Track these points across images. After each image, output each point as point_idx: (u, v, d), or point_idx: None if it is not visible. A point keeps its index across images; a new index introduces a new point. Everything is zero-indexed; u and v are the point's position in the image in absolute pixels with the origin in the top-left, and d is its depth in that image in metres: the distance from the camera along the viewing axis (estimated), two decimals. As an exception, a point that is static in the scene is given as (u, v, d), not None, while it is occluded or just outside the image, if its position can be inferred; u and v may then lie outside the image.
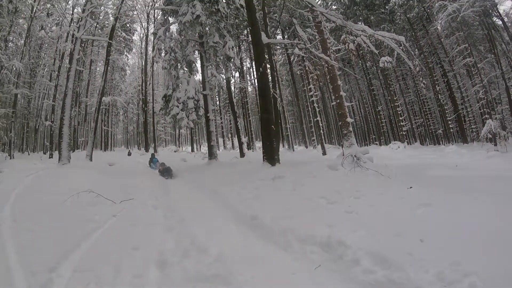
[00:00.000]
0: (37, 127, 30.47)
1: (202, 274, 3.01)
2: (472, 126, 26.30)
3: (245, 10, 11.39)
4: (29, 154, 26.45)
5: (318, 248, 3.51)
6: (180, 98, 12.54)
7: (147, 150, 33.56)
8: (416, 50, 26.61)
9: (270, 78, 13.24)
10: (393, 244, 3.35)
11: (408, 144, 26.24)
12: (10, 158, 20.38)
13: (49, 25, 27.28)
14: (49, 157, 21.68)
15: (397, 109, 28.14)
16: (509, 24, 24.40)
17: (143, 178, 10.30)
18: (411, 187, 5.31)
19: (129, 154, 30.14)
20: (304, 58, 21.67)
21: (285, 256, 3.62)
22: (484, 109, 20.77)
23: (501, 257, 2.75)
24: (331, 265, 3.33)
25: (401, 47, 9.85)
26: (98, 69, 37.48)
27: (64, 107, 13.39)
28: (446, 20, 21.52)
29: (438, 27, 24.97)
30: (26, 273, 2.94)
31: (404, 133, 27.64)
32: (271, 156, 9.02)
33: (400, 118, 27.91)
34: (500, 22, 22.54)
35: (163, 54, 12.96)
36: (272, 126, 9.53)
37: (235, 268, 3.24)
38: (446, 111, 26.35)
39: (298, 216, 4.44)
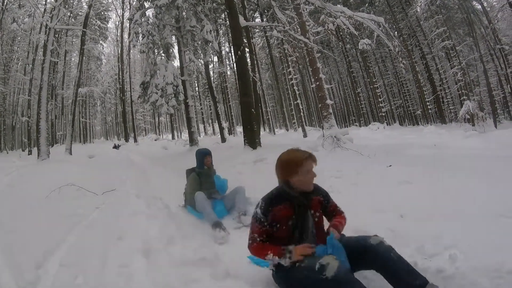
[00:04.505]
0: (14, 124, 29.67)
1: (188, 259, 3.01)
2: (451, 107, 26.97)
3: (223, -7, 11.21)
4: (7, 153, 25.74)
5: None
6: (159, 84, 12.34)
7: (127, 140, 33.18)
8: (396, 32, 26.85)
9: (249, 61, 13.17)
10: (374, 221, 3.42)
11: (387, 125, 26.72)
12: (-11, 158, 19.84)
13: (21, 17, 26.34)
14: (28, 154, 21.21)
15: (376, 90, 28.52)
16: (488, 8, 24.91)
17: (124, 168, 10.19)
18: (390, 166, 5.39)
19: (116, 147, 25.62)
20: (283, 41, 21.57)
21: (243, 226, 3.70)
22: (462, 91, 21.30)
23: (480, 230, 2.86)
24: (315, 243, 3.38)
25: (380, 28, 9.90)
26: (73, 59, 36.70)
27: (40, 101, 12.98)
28: (425, 3, 21.74)
29: (418, 9, 25.23)
30: (13, 272, 2.88)
31: (383, 114, 28.07)
32: (252, 140, 9.04)
33: (379, 99, 28.33)
34: (479, 6, 22.96)
35: (140, 38, 12.68)
36: (252, 110, 9.55)
37: (221, 251, 3.30)
38: (425, 93, 26.83)
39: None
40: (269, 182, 5.38)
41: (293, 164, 2.44)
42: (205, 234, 3.73)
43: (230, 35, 30.42)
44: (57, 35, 24.46)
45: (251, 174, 6.13)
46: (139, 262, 3.06)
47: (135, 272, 2.89)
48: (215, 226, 3.83)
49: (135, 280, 2.78)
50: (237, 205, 4.37)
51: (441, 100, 26.54)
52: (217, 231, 3.74)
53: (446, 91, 27.30)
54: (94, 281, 2.78)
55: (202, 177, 4.90)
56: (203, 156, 5.12)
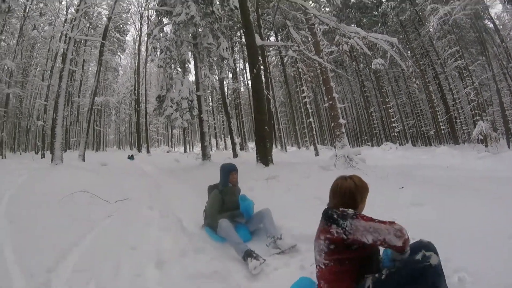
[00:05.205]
0: (29, 127, 30.32)
1: (200, 272, 3.06)
2: (464, 128, 26.66)
3: (239, 12, 11.45)
4: (20, 154, 26.30)
5: (313, 246, 3.55)
6: (174, 98, 12.57)
7: (139, 150, 33.54)
8: (409, 52, 26.89)
9: (263, 79, 13.34)
10: (386, 242, 3.42)
11: (400, 145, 26.52)
12: (2, 158, 20.26)
13: (41, 24, 27.17)
14: (41, 157, 21.57)
15: (389, 110, 28.43)
16: (500, 26, 24.78)
17: (136, 178, 10.29)
18: (402, 187, 5.39)
19: (131, 157, 23.39)
20: (297, 60, 21.80)
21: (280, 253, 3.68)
22: (475, 111, 21.09)
23: (490, 253, 2.86)
24: (326, 263, 3.40)
25: (393, 49, 9.99)
26: (90, 69, 37.49)
27: (57, 107, 13.28)
28: (438, 23, 21.76)
29: (430, 29, 25.26)
30: (24, 274, 2.94)
31: (396, 134, 27.90)
32: (264, 157, 9.07)
33: (392, 119, 28.20)
34: (491, 25, 22.83)
35: (158, 53, 12.98)
36: (266, 128, 9.59)
37: (232, 266, 3.33)
38: (438, 113, 26.64)
39: (292, 216, 4.50)
40: (281, 199, 5.49)
41: (366, 191, 2.49)
42: (216, 248, 3.76)
43: (244, 52, 31.07)
44: (76, 45, 25.13)
45: (263, 191, 6.13)
46: (152, 272, 3.13)
47: (148, 282, 2.96)
48: (247, 256, 3.33)
49: (148, 290, 2.84)
50: (269, 230, 3.89)
51: (454, 120, 26.33)
52: (248, 261, 3.27)
53: (459, 111, 27.07)
54: (107, 288, 2.83)
55: (226, 195, 4.37)
56: (229, 172, 4.52)
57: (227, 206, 4.29)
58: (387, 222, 2.17)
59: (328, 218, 2.31)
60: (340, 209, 2.31)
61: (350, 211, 2.26)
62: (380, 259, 2.41)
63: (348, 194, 2.42)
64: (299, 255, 3.48)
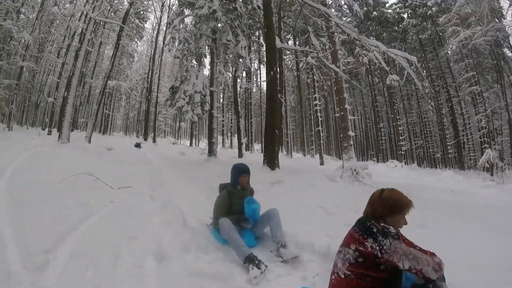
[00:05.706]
0: (38, 102, 30.53)
1: (202, 271, 3.01)
2: (471, 154, 26.52)
3: (262, 12, 11.43)
4: (27, 128, 26.45)
5: (316, 257, 3.52)
6: (188, 91, 12.53)
7: (145, 138, 33.60)
8: (424, 71, 26.77)
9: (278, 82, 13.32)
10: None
11: (405, 164, 26.35)
12: (9, 130, 20.36)
13: (63, 1, 27.35)
14: (48, 134, 21.67)
15: (399, 128, 28.29)
16: (519, 56, 24.58)
17: (141, 167, 10.27)
18: (408, 207, 5.36)
19: (137, 145, 21.97)
20: (313, 67, 21.74)
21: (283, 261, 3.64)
22: (485, 138, 20.95)
23: (486, 278, 2.90)
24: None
25: (411, 67, 9.91)
26: (106, 52, 37.70)
27: (69, 86, 13.39)
28: (457, 45, 21.67)
29: (449, 51, 25.14)
30: (21, 252, 2.90)
31: (402, 152, 27.77)
32: (271, 160, 9.06)
33: (401, 137, 28.05)
34: (510, 54, 22.72)
35: (176, 43, 12.95)
36: (276, 131, 9.57)
37: (235, 269, 3.27)
38: (447, 136, 26.52)
39: (296, 223, 4.45)
40: (286, 205, 5.44)
41: (400, 205, 2.39)
42: (220, 249, 3.71)
43: (261, 53, 31.09)
44: (95, 26, 25.23)
45: (268, 195, 6.05)
46: (151, 265, 3.07)
47: (147, 275, 2.90)
48: (248, 261, 3.16)
49: (146, 282, 2.79)
50: (274, 234, 3.68)
51: (462, 145, 26.20)
52: (250, 268, 3.10)
53: (468, 136, 26.98)
54: (105, 276, 2.77)
55: (233, 198, 4.09)
56: (239, 173, 4.17)
57: (233, 209, 4.05)
58: (428, 252, 2.14)
59: (365, 229, 2.24)
60: (381, 224, 2.25)
61: (392, 229, 2.20)
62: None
63: (370, 203, 2.41)
64: (301, 265, 3.42)
